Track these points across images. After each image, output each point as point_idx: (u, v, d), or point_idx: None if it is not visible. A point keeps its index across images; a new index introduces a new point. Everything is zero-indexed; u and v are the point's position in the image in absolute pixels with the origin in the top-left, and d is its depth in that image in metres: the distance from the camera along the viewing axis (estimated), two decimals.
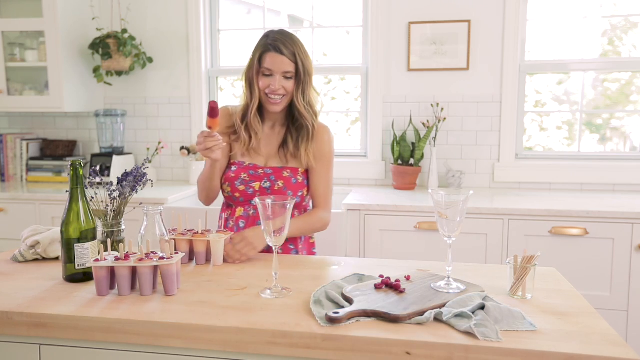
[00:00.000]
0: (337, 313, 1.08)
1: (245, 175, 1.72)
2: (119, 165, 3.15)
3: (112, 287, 1.26)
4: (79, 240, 1.32)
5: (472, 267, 1.48)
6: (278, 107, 1.69)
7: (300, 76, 1.66)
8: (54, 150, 3.37)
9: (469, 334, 1.02)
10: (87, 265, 1.33)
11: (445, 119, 2.96)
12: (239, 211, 1.76)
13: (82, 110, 3.26)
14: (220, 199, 1.86)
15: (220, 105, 1.65)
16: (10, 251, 1.62)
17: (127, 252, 1.26)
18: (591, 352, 0.95)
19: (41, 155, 3.39)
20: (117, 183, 1.43)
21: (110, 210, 1.42)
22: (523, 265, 1.23)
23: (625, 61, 2.95)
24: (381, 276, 1.29)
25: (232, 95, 3.46)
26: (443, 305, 1.14)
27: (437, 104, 2.98)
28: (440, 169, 3.02)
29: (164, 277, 1.23)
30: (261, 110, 1.76)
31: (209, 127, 1.58)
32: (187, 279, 1.37)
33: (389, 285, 1.25)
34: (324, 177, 1.76)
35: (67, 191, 1.35)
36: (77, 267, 1.32)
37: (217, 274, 1.42)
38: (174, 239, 1.47)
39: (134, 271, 1.24)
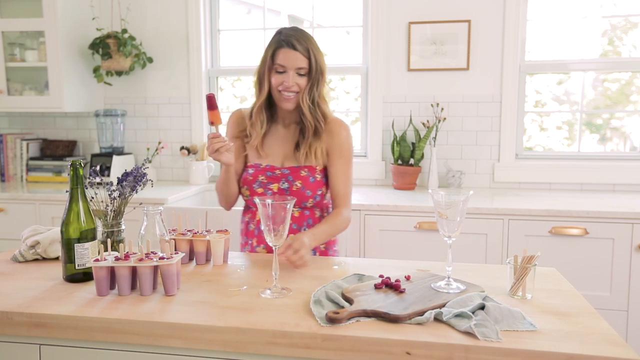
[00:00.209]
0: (337, 313, 1.08)
1: (262, 178, 1.70)
2: (119, 165, 3.15)
3: (112, 287, 1.26)
4: (79, 240, 1.32)
5: (472, 267, 1.48)
6: (291, 104, 1.65)
7: (313, 73, 1.62)
8: (54, 150, 3.37)
9: (469, 334, 1.02)
10: (87, 265, 1.33)
11: (445, 119, 2.96)
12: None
13: (82, 110, 3.26)
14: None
15: (217, 99, 1.64)
16: (10, 251, 1.62)
17: (127, 252, 1.26)
18: (591, 352, 0.95)
19: (41, 155, 3.39)
20: (117, 183, 1.42)
21: (110, 210, 1.42)
22: (523, 265, 1.23)
23: (625, 61, 2.95)
24: (381, 276, 1.29)
25: (232, 95, 3.46)
26: (443, 305, 1.14)
27: (437, 104, 2.98)
28: (440, 169, 3.02)
29: (164, 277, 1.23)
30: (276, 109, 1.72)
31: (211, 123, 1.59)
32: (187, 279, 1.37)
33: (389, 285, 1.25)
34: (342, 174, 1.71)
35: (67, 191, 1.36)
36: (77, 267, 1.32)
37: (217, 274, 1.42)
38: (174, 239, 1.47)
39: (134, 271, 1.24)
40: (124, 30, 3.17)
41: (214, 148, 1.55)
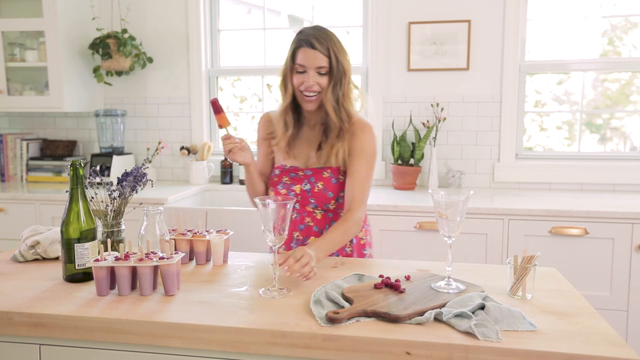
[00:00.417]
0: (337, 313, 1.08)
1: (286, 179, 1.69)
2: (119, 165, 3.15)
3: (112, 287, 1.26)
4: (79, 240, 1.32)
5: (472, 267, 1.48)
6: (313, 104, 1.61)
7: (334, 72, 1.58)
8: (54, 150, 3.37)
9: (469, 334, 1.02)
10: (87, 265, 1.33)
11: (445, 119, 2.96)
12: None
13: (82, 110, 3.26)
14: None
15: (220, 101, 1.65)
16: (10, 251, 1.62)
17: (127, 252, 1.26)
18: (591, 352, 0.95)
19: (41, 155, 3.39)
20: (117, 183, 1.42)
21: (110, 210, 1.42)
22: (523, 265, 1.23)
23: (625, 61, 2.95)
24: (381, 276, 1.29)
25: (232, 95, 3.46)
26: (443, 305, 1.14)
27: (437, 104, 2.98)
28: (440, 169, 3.02)
29: (164, 277, 1.23)
30: (300, 110, 1.69)
31: (220, 126, 1.62)
32: (187, 279, 1.37)
33: (389, 285, 1.25)
34: (359, 176, 1.62)
35: (67, 191, 1.36)
36: (77, 267, 1.32)
37: (217, 274, 1.42)
38: (174, 239, 1.47)
39: (134, 271, 1.24)
40: (124, 30, 3.17)
41: (227, 149, 1.59)
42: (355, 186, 1.62)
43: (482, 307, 1.10)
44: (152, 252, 1.27)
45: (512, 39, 2.91)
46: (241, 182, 3.17)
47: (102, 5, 3.28)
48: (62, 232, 1.33)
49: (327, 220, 1.69)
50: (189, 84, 3.30)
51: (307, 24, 3.42)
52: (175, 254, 1.27)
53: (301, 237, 1.69)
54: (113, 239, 1.41)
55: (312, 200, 1.66)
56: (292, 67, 1.61)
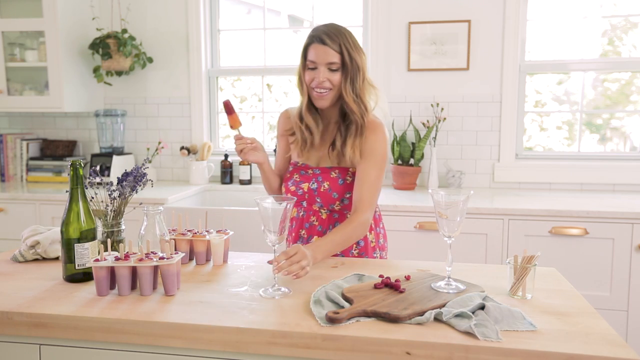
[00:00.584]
0: (337, 313, 1.08)
1: (297, 176, 1.69)
2: (119, 165, 3.15)
3: (112, 287, 1.26)
4: (79, 240, 1.32)
5: (472, 267, 1.48)
6: (324, 101, 1.59)
7: (348, 68, 1.55)
8: (54, 150, 3.37)
9: (469, 334, 1.02)
10: (87, 265, 1.33)
11: (445, 119, 2.96)
12: (293, 212, 1.72)
13: (82, 110, 3.26)
14: None
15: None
16: (10, 251, 1.62)
17: (127, 252, 1.26)
18: (591, 352, 0.95)
19: (41, 155, 3.39)
20: (117, 183, 1.42)
21: (110, 210, 1.42)
22: (523, 265, 1.23)
23: (625, 61, 2.95)
24: (381, 276, 1.29)
25: (232, 95, 3.46)
26: (443, 305, 1.14)
27: (437, 104, 2.98)
28: (440, 169, 3.02)
29: (164, 277, 1.23)
30: (317, 110, 1.67)
31: (231, 127, 1.65)
32: (187, 279, 1.37)
33: (389, 285, 1.25)
34: (369, 177, 1.59)
35: (67, 191, 1.36)
36: (77, 267, 1.32)
37: (217, 274, 1.42)
38: (174, 239, 1.47)
39: (134, 271, 1.24)
40: (124, 30, 3.17)
41: (239, 149, 1.61)
42: (364, 188, 1.59)
43: (482, 307, 1.10)
44: (152, 252, 1.27)
45: (512, 39, 2.91)
46: (241, 182, 3.17)
47: (102, 5, 3.28)
48: (62, 232, 1.33)
49: (331, 221, 1.68)
50: (189, 84, 3.30)
51: (307, 24, 3.42)
52: (175, 254, 1.27)
53: (306, 236, 1.69)
54: (113, 239, 1.41)
55: (318, 200, 1.66)
56: (304, 65, 1.60)
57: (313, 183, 1.66)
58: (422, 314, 1.10)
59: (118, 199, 1.42)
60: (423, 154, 2.94)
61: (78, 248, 1.32)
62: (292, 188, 1.69)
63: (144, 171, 1.46)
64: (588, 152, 3.03)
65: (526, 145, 3.08)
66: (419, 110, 3.02)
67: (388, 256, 1.83)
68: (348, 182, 1.64)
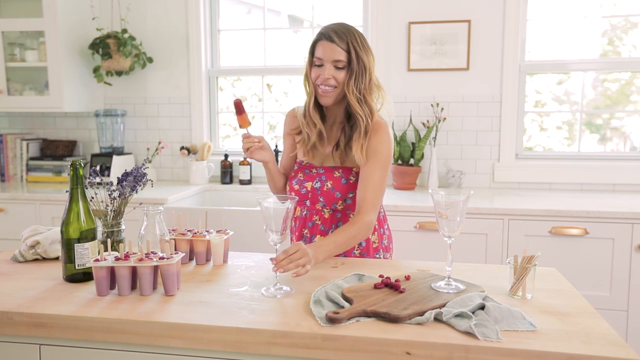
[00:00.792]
0: (337, 313, 1.08)
1: (301, 175, 1.70)
2: (119, 165, 3.15)
3: (112, 287, 1.26)
4: (79, 240, 1.32)
5: (472, 267, 1.48)
6: (328, 98, 1.59)
7: (354, 67, 1.55)
8: (54, 150, 3.37)
9: (469, 334, 1.02)
10: (87, 265, 1.33)
11: (445, 119, 2.96)
12: (296, 211, 1.73)
13: (82, 110, 3.26)
14: None
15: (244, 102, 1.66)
16: (10, 251, 1.62)
17: (127, 252, 1.26)
18: (591, 352, 0.95)
19: (41, 155, 3.39)
20: (117, 183, 1.42)
21: (110, 210, 1.42)
22: (523, 265, 1.23)
23: (625, 61, 2.95)
24: (381, 276, 1.29)
25: (232, 95, 3.46)
26: (443, 305, 1.14)
27: (437, 104, 2.98)
28: (440, 169, 3.02)
29: (164, 277, 1.23)
30: (323, 108, 1.68)
31: (240, 126, 1.66)
32: (187, 279, 1.37)
33: (389, 285, 1.25)
34: (374, 178, 1.57)
35: (67, 191, 1.36)
36: (77, 267, 1.32)
37: (217, 274, 1.42)
38: (174, 239, 1.47)
39: (134, 271, 1.24)
40: (124, 30, 3.17)
41: (245, 147, 1.63)
42: (368, 189, 1.57)
43: (482, 307, 1.10)
44: (152, 252, 1.27)
45: (512, 39, 2.91)
46: (241, 182, 3.17)
47: (102, 5, 3.28)
48: (62, 232, 1.33)
49: (334, 220, 1.68)
50: (189, 84, 3.30)
51: (307, 24, 3.42)
52: (175, 254, 1.27)
53: (309, 235, 1.69)
54: (113, 239, 1.41)
55: (321, 199, 1.66)
56: (311, 62, 1.61)
57: (316, 182, 1.66)
58: (422, 314, 1.10)
59: (118, 199, 1.42)
60: (423, 154, 2.94)
61: (78, 248, 1.32)
62: (296, 187, 1.69)
63: (144, 171, 1.46)
64: (588, 152, 3.03)
65: (526, 145, 3.08)
66: (419, 110, 3.02)
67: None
68: (351, 181, 1.64)
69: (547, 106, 3.08)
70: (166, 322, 1.09)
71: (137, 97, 3.37)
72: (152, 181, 1.55)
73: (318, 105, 1.66)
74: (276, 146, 3.18)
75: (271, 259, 1.29)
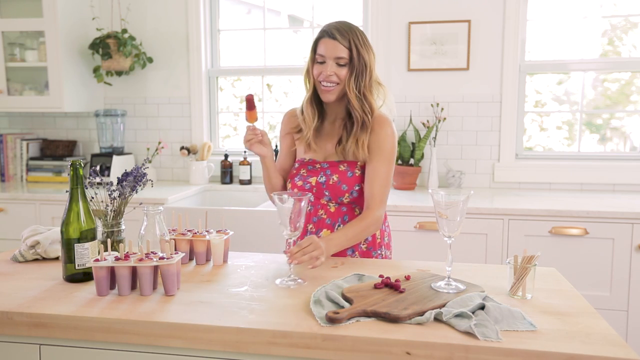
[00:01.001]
0: (337, 313, 1.08)
1: (304, 171, 1.70)
2: (119, 165, 3.15)
3: (112, 287, 1.26)
4: (79, 240, 1.32)
5: (472, 267, 1.48)
6: (330, 95, 1.61)
7: (355, 64, 1.59)
8: (54, 150, 3.37)
9: (469, 334, 1.02)
10: (87, 265, 1.33)
11: (445, 119, 2.96)
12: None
13: (82, 110, 3.26)
14: None
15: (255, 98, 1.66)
16: (10, 251, 1.62)
17: (127, 252, 1.26)
18: (591, 352, 0.95)
19: (41, 155, 3.39)
20: (117, 183, 1.43)
21: (110, 210, 1.42)
22: (523, 265, 1.23)
23: (625, 61, 2.95)
24: (381, 276, 1.29)
25: (232, 95, 3.46)
26: (443, 305, 1.14)
27: (437, 104, 2.98)
28: (440, 169, 3.02)
29: (164, 277, 1.23)
30: (323, 104, 1.71)
31: (247, 120, 1.66)
32: (187, 279, 1.37)
33: (389, 285, 1.25)
34: (381, 174, 1.61)
35: (67, 191, 1.36)
36: (77, 267, 1.32)
37: (217, 274, 1.42)
38: (174, 239, 1.47)
39: (134, 271, 1.24)
40: (124, 30, 3.17)
41: (246, 139, 1.63)
42: (375, 185, 1.61)
43: (482, 307, 1.10)
44: (152, 252, 1.27)
45: (512, 39, 2.91)
46: (241, 182, 3.17)
47: (102, 5, 3.28)
48: (62, 232, 1.33)
49: (340, 214, 1.68)
50: (189, 84, 3.30)
51: (307, 24, 3.42)
52: (175, 254, 1.27)
53: (314, 230, 1.69)
54: (113, 239, 1.41)
55: (327, 193, 1.66)
56: (313, 58, 1.63)
57: (321, 177, 1.67)
58: (422, 314, 1.10)
59: (118, 199, 1.42)
60: (423, 154, 2.94)
61: (78, 248, 1.32)
62: (299, 183, 1.69)
63: (144, 171, 1.46)
64: (588, 152, 3.03)
65: (526, 145, 3.08)
66: (419, 110, 3.02)
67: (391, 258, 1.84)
68: (357, 175, 1.66)
69: (547, 106, 3.08)
70: (166, 322, 1.09)
71: (137, 97, 3.37)
72: (152, 181, 1.55)
73: (316, 102, 1.69)
74: (276, 146, 3.18)
75: (285, 252, 1.35)
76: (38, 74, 3.20)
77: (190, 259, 1.54)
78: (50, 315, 1.13)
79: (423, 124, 2.98)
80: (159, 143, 3.22)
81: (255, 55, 3.36)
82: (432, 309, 1.12)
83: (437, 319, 1.09)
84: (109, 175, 3.08)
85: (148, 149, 3.32)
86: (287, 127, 1.80)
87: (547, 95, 3.08)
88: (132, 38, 3.18)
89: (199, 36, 3.24)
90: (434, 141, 2.94)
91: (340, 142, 1.68)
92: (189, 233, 1.53)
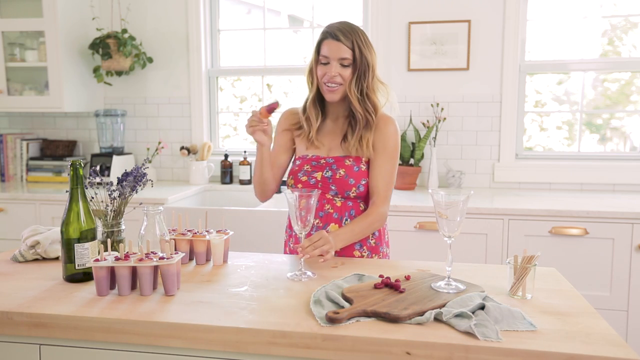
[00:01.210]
0: (337, 313, 1.08)
1: (307, 167, 1.71)
2: (119, 165, 3.15)
3: (112, 287, 1.26)
4: (79, 240, 1.32)
5: (472, 267, 1.48)
6: (335, 95, 1.64)
7: (358, 64, 1.62)
8: (54, 150, 3.37)
9: (469, 334, 1.02)
10: (87, 265, 1.33)
11: (445, 119, 2.96)
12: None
13: (82, 110, 3.26)
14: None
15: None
16: (10, 251, 1.62)
17: (127, 252, 1.26)
18: (591, 352, 0.95)
19: (41, 155, 3.39)
20: (117, 183, 1.42)
21: (110, 210, 1.42)
22: (523, 265, 1.23)
23: (625, 61, 2.95)
24: (381, 276, 1.29)
25: (232, 95, 3.46)
26: (443, 305, 1.14)
27: (437, 104, 2.98)
28: (440, 169, 3.02)
29: (164, 277, 1.23)
30: (324, 103, 1.73)
31: (260, 114, 1.63)
32: (187, 279, 1.37)
33: (389, 285, 1.25)
34: (385, 171, 1.67)
35: (67, 191, 1.36)
36: (77, 267, 1.32)
37: (217, 274, 1.42)
38: (174, 239, 1.47)
39: (134, 271, 1.24)
40: (124, 30, 3.17)
41: (250, 124, 1.62)
42: (380, 182, 1.66)
43: (482, 307, 1.10)
44: (152, 252, 1.27)
45: (512, 39, 2.91)
46: (241, 182, 3.17)
47: (102, 5, 3.28)
48: (62, 232, 1.33)
49: (347, 208, 1.69)
50: (189, 84, 3.30)
51: (307, 24, 3.42)
52: (175, 254, 1.27)
53: (321, 225, 1.69)
54: (113, 239, 1.41)
55: (333, 187, 1.67)
56: (317, 59, 1.65)
57: (327, 171, 1.68)
58: (422, 314, 1.10)
59: (118, 199, 1.42)
60: (423, 154, 2.94)
61: (78, 248, 1.32)
62: (304, 178, 1.69)
63: (144, 171, 1.46)
64: (588, 152, 3.03)
65: (526, 145, 3.08)
66: (419, 110, 3.02)
67: (389, 255, 1.85)
68: (363, 169, 1.68)
69: (547, 106, 3.08)
70: (166, 322, 1.09)
71: (137, 97, 3.37)
72: (152, 181, 1.55)
73: (318, 102, 1.72)
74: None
75: (295, 246, 1.39)
76: (38, 74, 3.20)
77: (190, 259, 1.54)
78: (50, 315, 1.13)
79: (423, 124, 2.98)
80: (159, 143, 3.22)
81: (255, 55, 3.36)
82: (432, 309, 1.12)
83: (437, 319, 1.09)
84: (109, 175, 3.08)
85: (148, 149, 3.32)
86: (286, 124, 1.80)
87: (547, 95, 3.08)
88: (132, 38, 3.18)
89: (199, 36, 3.24)
90: (434, 141, 2.94)
91: (345, 138, 1.70)
92: (189, 233, 1.53)
